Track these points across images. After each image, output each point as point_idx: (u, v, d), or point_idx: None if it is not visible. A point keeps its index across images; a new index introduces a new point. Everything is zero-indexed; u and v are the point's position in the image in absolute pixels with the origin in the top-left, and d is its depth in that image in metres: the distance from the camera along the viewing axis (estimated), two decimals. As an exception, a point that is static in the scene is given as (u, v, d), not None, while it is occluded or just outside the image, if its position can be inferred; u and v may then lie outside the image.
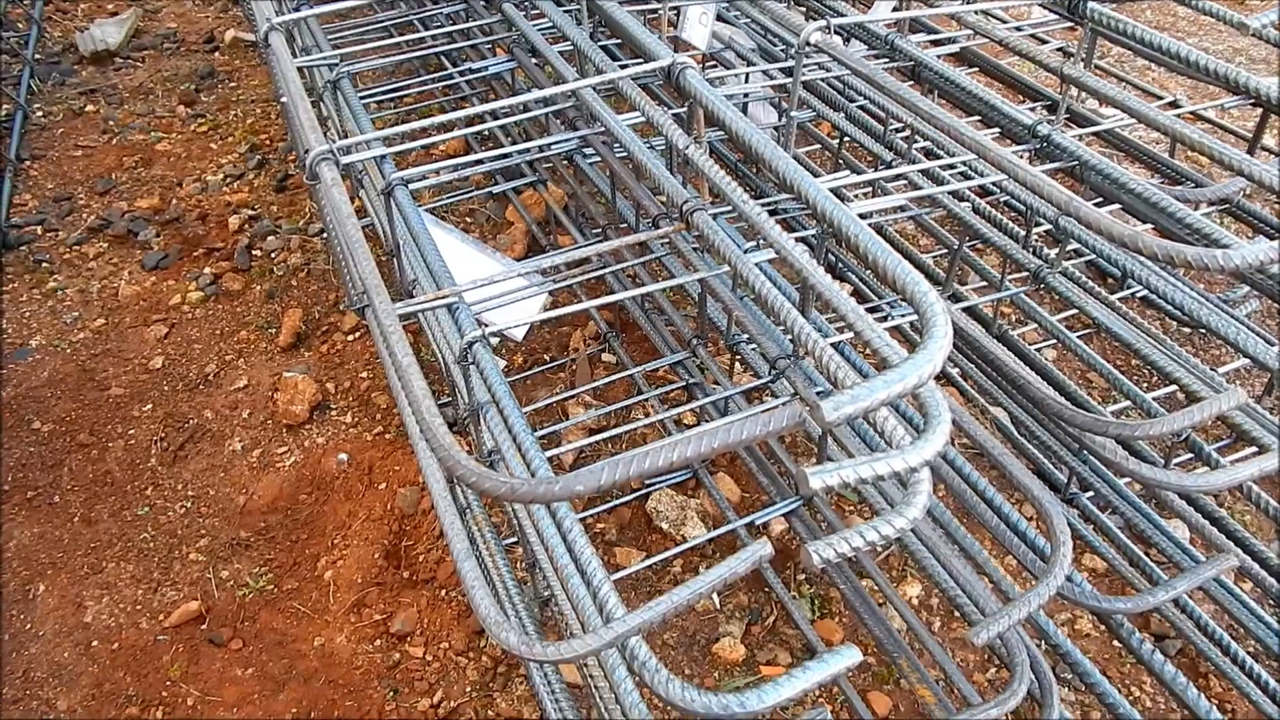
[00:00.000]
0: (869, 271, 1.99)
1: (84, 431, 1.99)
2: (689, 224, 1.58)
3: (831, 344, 1.39)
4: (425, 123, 1.28)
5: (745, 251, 1.56)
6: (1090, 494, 1.64)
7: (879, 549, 1.71)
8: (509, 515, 1.34)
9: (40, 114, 3.02)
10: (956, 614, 1.63)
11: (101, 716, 1.52)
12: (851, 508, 1.77)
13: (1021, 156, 1.41)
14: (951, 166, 1.83)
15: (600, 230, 2.01)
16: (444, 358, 1.21)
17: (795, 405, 0.80)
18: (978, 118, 1.74)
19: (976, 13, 1.80)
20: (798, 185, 1.02)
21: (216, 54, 3.38)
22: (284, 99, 1.43)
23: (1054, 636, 1.13)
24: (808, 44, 1.13)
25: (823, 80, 2.06)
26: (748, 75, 2.10)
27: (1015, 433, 1.79)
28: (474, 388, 1.14)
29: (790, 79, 1.88)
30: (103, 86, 3.17)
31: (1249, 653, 1.43)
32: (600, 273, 1.71)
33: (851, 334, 1.42)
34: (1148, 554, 1.58)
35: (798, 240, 1.20)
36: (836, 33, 1.32)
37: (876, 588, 1.61)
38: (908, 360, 0.78)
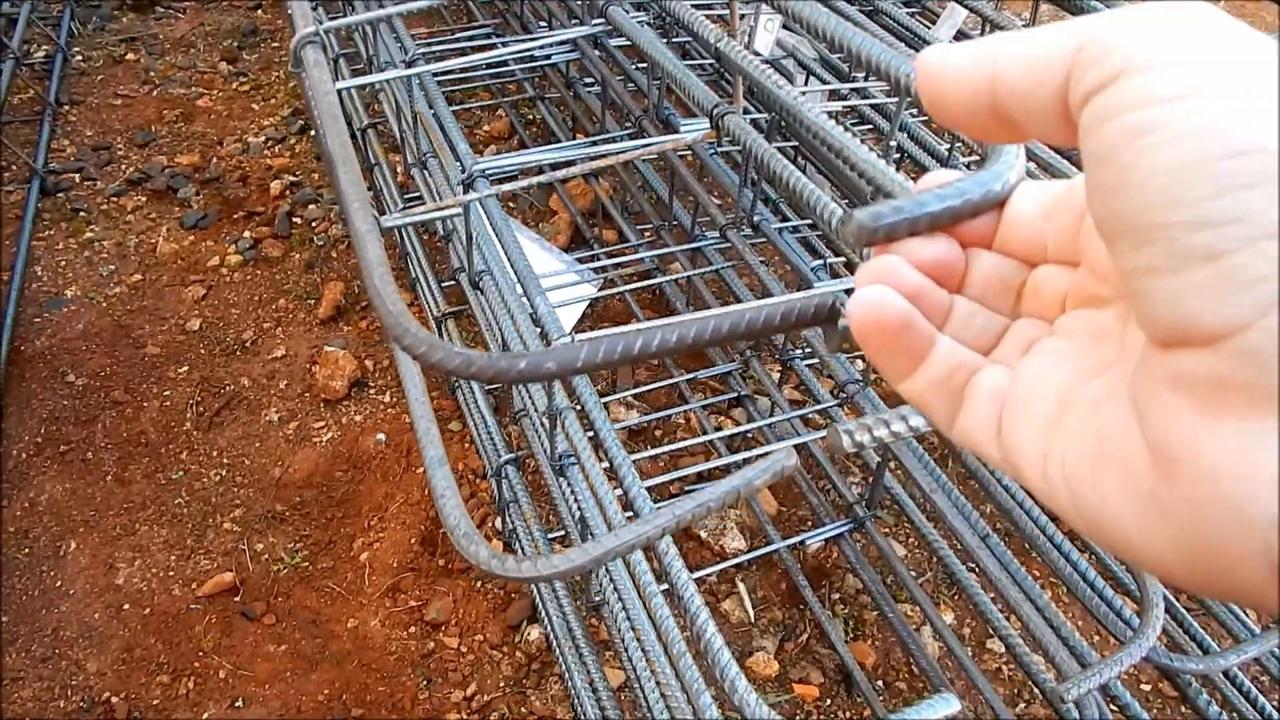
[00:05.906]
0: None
1: (119, 389, 1.98)
2: (755, 228, 1.58)
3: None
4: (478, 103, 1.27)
5: (812, 269, 1.56)
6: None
7: (918, 571, 1.72)
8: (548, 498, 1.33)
9: (80, 58, 2.98)
10: (988, 645, 1.64)
11: (132, 682, 1.51)
12: (886, 530, 1.78)
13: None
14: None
15: (653, 230, 2.00)
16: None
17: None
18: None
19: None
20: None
21: (259, 11, 3.34)
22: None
23: (1114, 689, 1.15)
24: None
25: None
26: (806, 84, 2.09)
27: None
28: (554, 393, 1.14)
29: (856, 95, 1.88)
30: (143, 35, 3.14)
31: (1275, 707, 1.45)
32: (657, 282, 1.70)
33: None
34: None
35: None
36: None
37: (913, 612, 1.62)
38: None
